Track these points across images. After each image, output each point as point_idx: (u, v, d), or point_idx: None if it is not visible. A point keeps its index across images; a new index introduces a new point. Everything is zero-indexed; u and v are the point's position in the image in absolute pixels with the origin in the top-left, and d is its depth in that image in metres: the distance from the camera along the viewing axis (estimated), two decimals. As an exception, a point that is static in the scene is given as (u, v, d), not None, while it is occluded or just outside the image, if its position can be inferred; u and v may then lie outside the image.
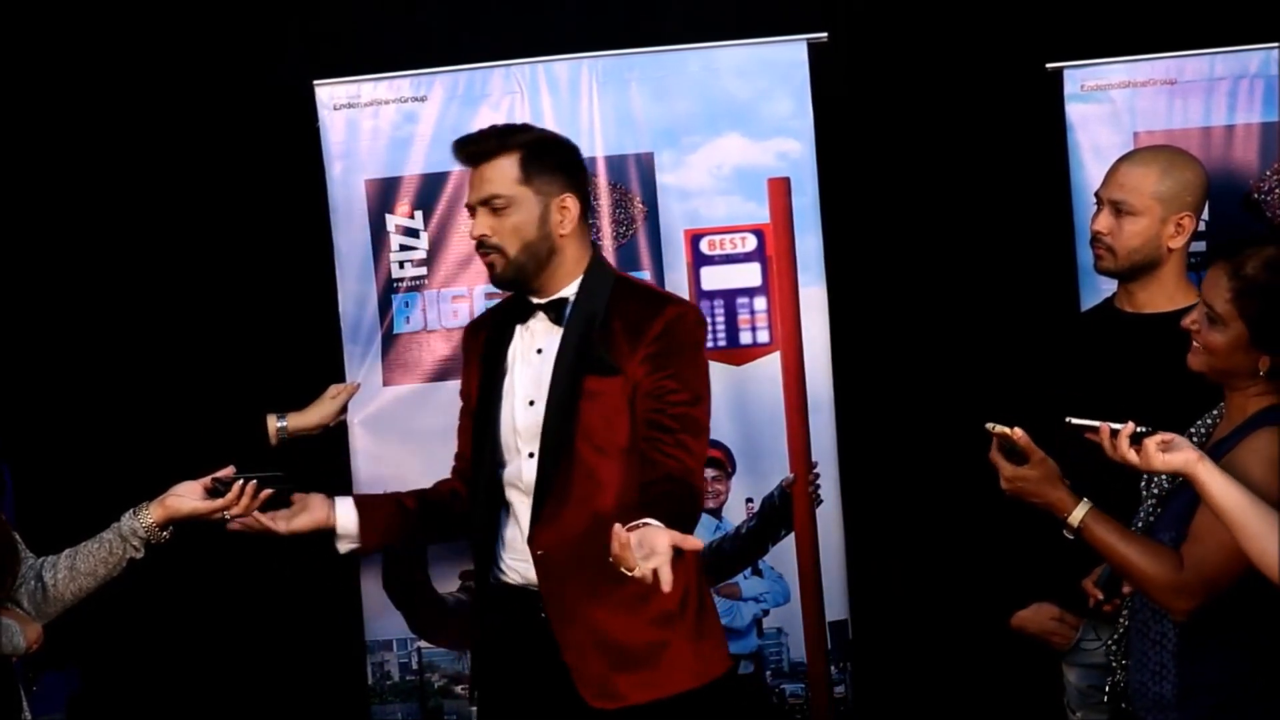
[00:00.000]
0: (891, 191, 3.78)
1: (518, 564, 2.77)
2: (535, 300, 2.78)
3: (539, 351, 2.77)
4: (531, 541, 2.71)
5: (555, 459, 2.69)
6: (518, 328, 2.80)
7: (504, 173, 2.72)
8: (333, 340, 3.54)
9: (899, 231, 3.78)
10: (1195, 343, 2.50)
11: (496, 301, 2.99)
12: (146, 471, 3.09)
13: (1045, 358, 3.09)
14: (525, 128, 2.84)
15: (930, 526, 3.76)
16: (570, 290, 2.76)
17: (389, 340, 3.53)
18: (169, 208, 3.82)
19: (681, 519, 2.53)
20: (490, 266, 2.77)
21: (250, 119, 3.78)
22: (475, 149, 2.75)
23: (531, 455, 2.74)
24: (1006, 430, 2.50)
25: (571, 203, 2.74)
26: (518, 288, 2.79)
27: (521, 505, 2.76)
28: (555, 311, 2.75)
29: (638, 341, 2.69)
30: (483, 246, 2.76)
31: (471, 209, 2.77)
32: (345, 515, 2.82)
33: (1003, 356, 3.36)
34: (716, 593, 3.48)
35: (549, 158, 2.75)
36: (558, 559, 2.70)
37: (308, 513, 2.80)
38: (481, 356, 2.84)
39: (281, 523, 2.78)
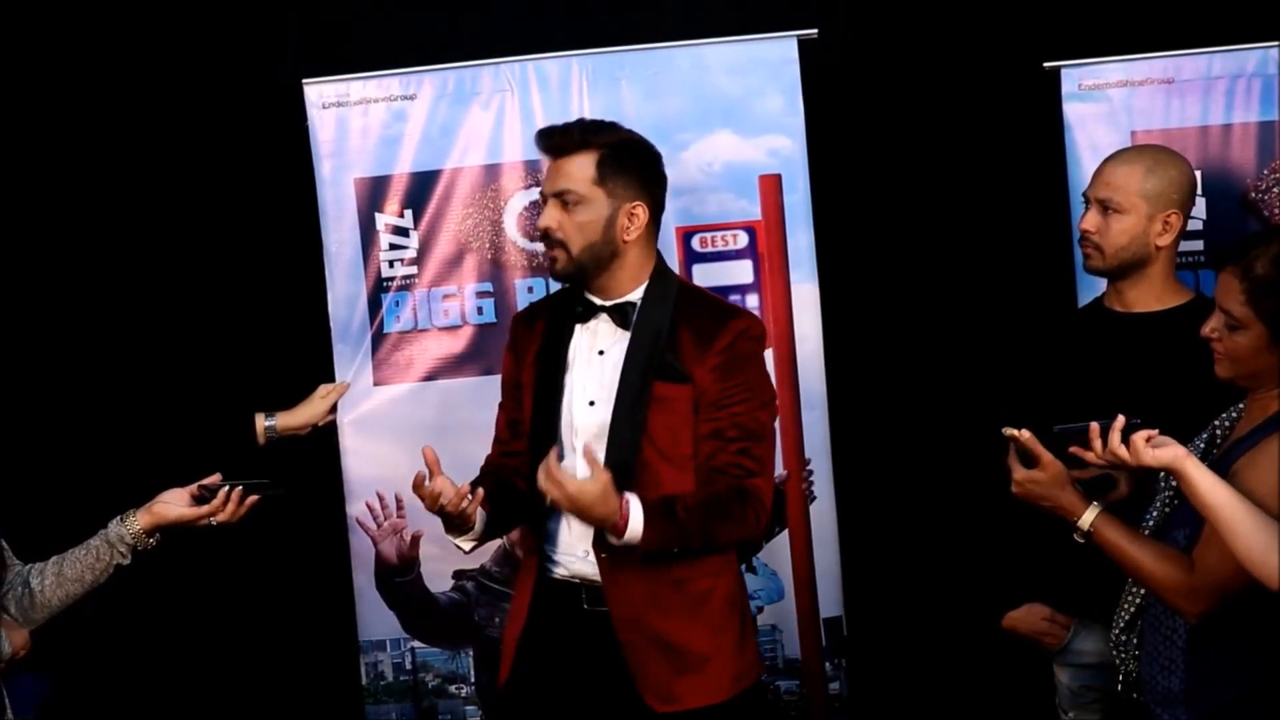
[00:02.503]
0: (884, 189, 3.76)
1: (563, 558, 2.78)
2: (599, 301, 2.78)
3: (601, 353, 2.77)
4: (597, 544, 2.71)
5: (623, 463, 2.68)
6: (578, 327, 2.80)
7: (581, 170, 2.73)
8: (323, 340, 3.53)
9: (892, 229, 3.76)
10: (1218, 350, 2.49)
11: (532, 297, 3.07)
12: (135, 469, 3.10)
13: (1036, 356, 3.08)
14: (612, 126, 2.81)
15: (924, 523, 3.75)
16: (635, 295, 2.77)
17: (379, 339, 3.52)
18: (158, 207, 3.81)
19: (722, 510, 2.66)
20: (552, 260, 2.78)
21: (239, 118, 3.75)
22: (558, 141, 2.76)
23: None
24: (1015, 432, 2.50)
25: (641, 211, 2.75)
26: (576, 283, 2.79)
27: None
28: (621, 315, 2.76)
29: (706, 351, 2.71)
30: (547, 239, 2.76)
31: (543, 199, 2.78)
32: (481, 514, 2.73)
33: (996, 354, 3.36)
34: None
35: (628, 162, 2.76)
36: (623, 562, 2.70)
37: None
38: (539, 350, 2.82)
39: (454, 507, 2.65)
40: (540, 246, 3.46)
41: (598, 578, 2.73)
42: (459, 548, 2.78)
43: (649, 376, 2.71)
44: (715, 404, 2.70)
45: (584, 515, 2.59)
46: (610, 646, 2.72)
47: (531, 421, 2.81)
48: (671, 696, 2.71)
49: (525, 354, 2.86)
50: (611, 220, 2.73)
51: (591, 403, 2.75)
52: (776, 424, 3.35)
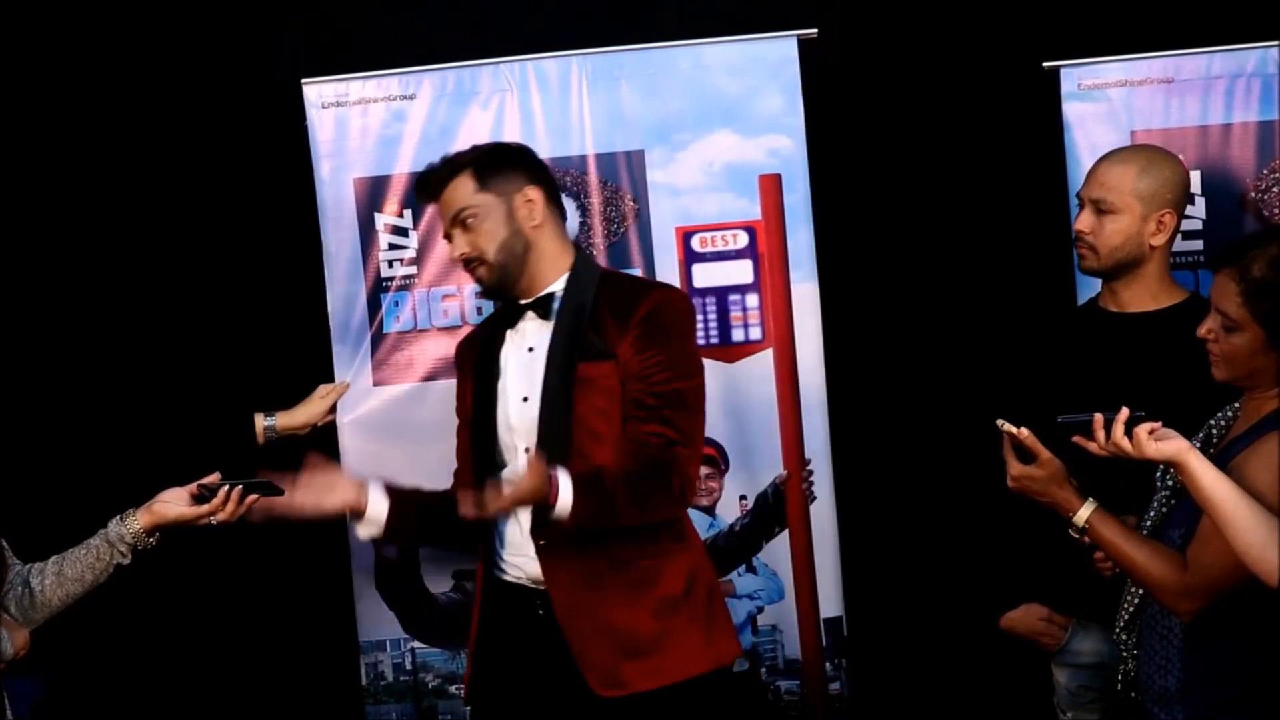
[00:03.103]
0: (884, 188, 3.76)
1: (517, 559, 2.78)
2: (522, 301, 2.80)
3: (530, 350, 2.79)
4: (535, 532, 2.71)
5: (554, 450, 2.69)
6: (508, 332, 2.83)
7: (462, 188, 2.78)
8: (322, 340, 3.53)
9: (891, 228, 3.76)
10: (1213, 352, 2.49)
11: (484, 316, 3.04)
12: (135, 468, 3.09)
13: (1032, 356, 3.09)
14: (473, 148, 2.89)
15: (923, 522, 3.75)
16: (557, 286, 2.79)
17: (378, 340, 3.51)
18: (158, 207, 3.81)
19: (647, 482, 2.65)
20: (479, 280, 2.82)
21: (239, 118, 3.76)
22: (432, 181, 2.82)
23: (527, 450, 2.75)
24: (1014, 430, 2.50)
25: (535, 194, 2.78)
26: (506, 291, 2.82)
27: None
28: (543, 308, 2.78)
29: (626, 324, 2.72)
30: (467, 264, 2.81)
31: (449, 237, 2.82)
32: (376, 504, 2.75)
33: (996, 354, 3.36)
34: (710, 590, 3.52)
35: (500, 160, 2.81)
36: (561, 548, 2.70)
37: (337, 494, 2.74)
38: (475, 367, 2.86)
39: (310, 504, 2.71)
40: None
41: None
42: (359, 535, 2.81)
43: (572, 360, 2.72)
44: (637, 375, 2.71)
45: (524, 500, 2.58)
46: (563, 644, 2.72)
47: (472, 430, 2.84)
48: (618, 681, 2.69)
49: (465, 376, 2.90)
50: (510, 214, 2.77)
51: (525, 399, 2.76)
52: (774, 427, 3.42)
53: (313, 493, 2.73)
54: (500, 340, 2.83)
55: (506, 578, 2.80)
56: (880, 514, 3.73)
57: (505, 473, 2.79)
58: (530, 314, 2.79)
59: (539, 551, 2.72)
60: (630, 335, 2.71)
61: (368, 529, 2.78)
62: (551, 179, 2.87)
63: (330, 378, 3.48)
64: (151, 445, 3.51)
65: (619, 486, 2.64)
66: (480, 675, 2.86)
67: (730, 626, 2.89)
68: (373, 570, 3.52)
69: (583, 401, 2.70)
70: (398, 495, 2.79)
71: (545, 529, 2.67)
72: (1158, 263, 2.98)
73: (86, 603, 2.75)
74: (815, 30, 3.43)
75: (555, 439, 2.70)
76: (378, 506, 2.76)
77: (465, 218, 2.77)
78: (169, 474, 2.80)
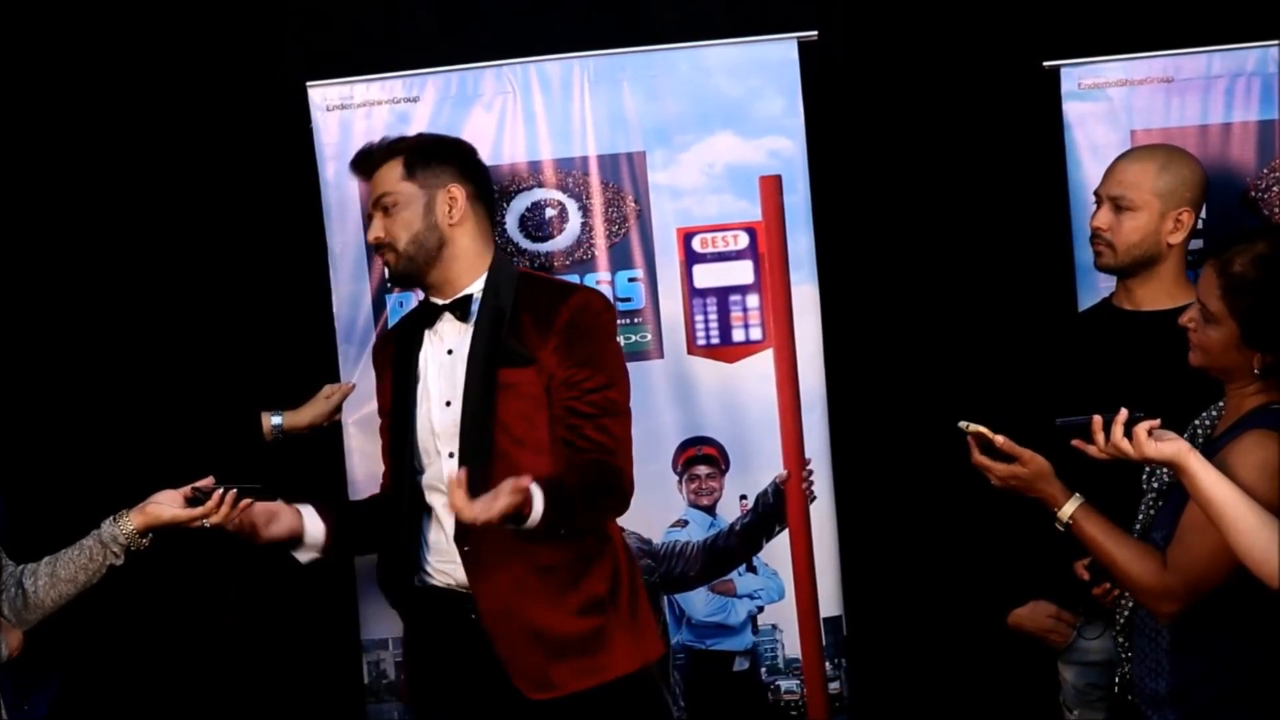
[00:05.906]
0: (884, 189, 3.76)
1: (444, 566, 2.78)
2: (439, 301, 2.81)
3: (450, 352, 2.79)
4: (459, 539, 2.72)
5: (477, 456, 2.70)
6: (426, 333, 2.83)
7: (390, 173, 2.81)
8: (328, 340, 3.55)
9: (891, 229, 3.76)
10: (1192, 341, 2.51)
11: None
12: (146, 466, 3.10)
13: (1043, 356, 3.09)
14: (416, 136, 2.92)
15: (924, 522, 3.75)
16: (475, 288, 2.79)
17: (383, 340, 3.54)
18: (163, 208, 3.82)
19: (599, 489, 2.68)
20: (387, 265, 2.86)
21: (244, 120, 3.77)
22: (366, 161, 2.86)
23: (451, 455, 2.75)
24: (983, 431, 2.49)
25: (458, 191, 2.79)
26: (415, 282, 2.84)
27: (444, 507, 2.76)
28: (461, 310, 2.78)
29: (547, 330, 2.72)
30: (378, 248, 2.84)
31: (368, 219, 2.85)
32: (313, 529, 2.82)
33: (996, 354, 3.37)
34: (711, 589, 3.52)
35: (435, 153, 2.83)
36: (485, 554, 2.71)
37: (280, 521, 2.80)
38: (393, 368, 2.86)
39: (260, 530, 2.79)
40: (546, 247, 3.52)
41: None
42: (299, 560, 2.86)
43: (493, 365, 2.72)
44: (566, 383, 2.72)
45: (504, 516, 2.56)
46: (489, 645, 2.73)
47: (391, 434, 2.85)
48: (547, 683, 2.71)
49: (384, 376, 2.91)
50: (429, 207, 2.78)
51: (448, 403, 2.77)
52: (774, 427, 3.43)
53: (260, 524, 2.77)
54: (418, 341, 2.82)
55: (434, 582, 2.80)
56: (880, 513, 3.73)
57: (427, 477, 2.80)
58: (448, 315, 2.79)
59: (464, 558, 2.72)
60: (553, 341, 2.72)
61: (307, 553, 2.84)
62: (483, 179, 2.87)
63: (336, 377, 3.50)
64: (161, 444, 3.53)
65: (576, 493, 2.65)
66: (416, 679, 2.87)
67: (654, 623, 2.91)
68: (375, 568, 3.53)
69: (505, 407, 2.71)
70: (331, 517, 2.83)
71: (470, 536, 2.68)
72: (1174, 261, 3.00)
73: (95, 600, 2.75)
74: (815, 33, 3.44)
75: (477, 444, 2.71)
76: (314, 531, 2.81)
77: (386, 203, 2.79)
78: (177, 472, 2.80)
